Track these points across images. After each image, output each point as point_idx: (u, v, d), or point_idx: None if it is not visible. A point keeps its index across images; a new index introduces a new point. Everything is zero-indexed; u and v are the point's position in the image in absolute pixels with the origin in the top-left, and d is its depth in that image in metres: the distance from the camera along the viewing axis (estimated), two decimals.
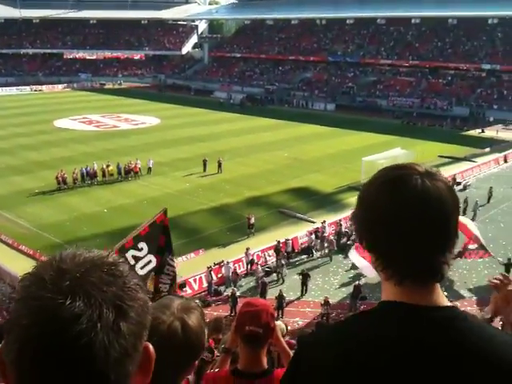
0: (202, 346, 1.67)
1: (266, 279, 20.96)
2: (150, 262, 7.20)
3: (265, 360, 2.37)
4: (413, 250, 1.15)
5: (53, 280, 0.83)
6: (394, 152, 34.16)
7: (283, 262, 22.22)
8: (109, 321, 0.82)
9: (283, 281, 21.55)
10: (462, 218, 19.86)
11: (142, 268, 7.13)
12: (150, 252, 7.23)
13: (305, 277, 20.42)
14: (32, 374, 0.80)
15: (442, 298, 1.20)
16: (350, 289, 19.77)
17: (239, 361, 2.41)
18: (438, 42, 73.72)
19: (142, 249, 7.18)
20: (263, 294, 19.54)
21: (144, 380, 0.92)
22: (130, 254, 7.06)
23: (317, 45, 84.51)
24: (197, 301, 2.05)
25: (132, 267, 0.93)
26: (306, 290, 20.39)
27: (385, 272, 1.20)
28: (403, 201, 1.15)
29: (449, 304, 1.20)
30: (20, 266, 21.19)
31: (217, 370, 2.64)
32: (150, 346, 0.93)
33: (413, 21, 76.49)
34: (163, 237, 7.43)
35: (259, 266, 21.61)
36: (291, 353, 2.44)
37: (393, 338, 1.13)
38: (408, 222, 1.14)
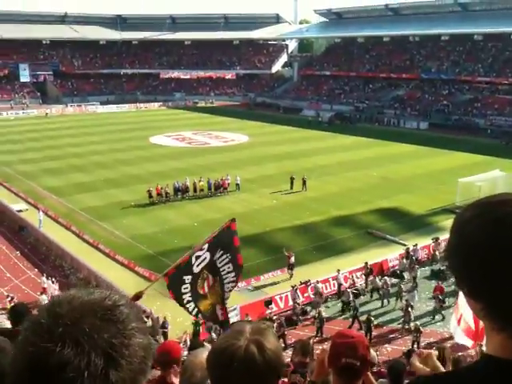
0: (281, 364, 1.64)
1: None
2: (205, 258, 7.08)
3: None
4: None
5: (48, 326, 0.86)
6: (492, 174, 32.30)
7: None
8: (97, 369, 0.83)
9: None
10: None
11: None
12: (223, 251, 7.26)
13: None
14: None
15: None
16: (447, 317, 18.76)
17: None
18: None
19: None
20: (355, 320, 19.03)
21: None
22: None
23: (409, 62, 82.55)
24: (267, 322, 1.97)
25: (133, 308, 0.93)
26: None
27: (494, 323, 1.05)
28: None
29: None
30: (114, 274, 22.29)
31: None
32: None
33: None
34: (236, 238, 7.46)
35: (348, 289, 20.87)
36: None
37: None
38: None
